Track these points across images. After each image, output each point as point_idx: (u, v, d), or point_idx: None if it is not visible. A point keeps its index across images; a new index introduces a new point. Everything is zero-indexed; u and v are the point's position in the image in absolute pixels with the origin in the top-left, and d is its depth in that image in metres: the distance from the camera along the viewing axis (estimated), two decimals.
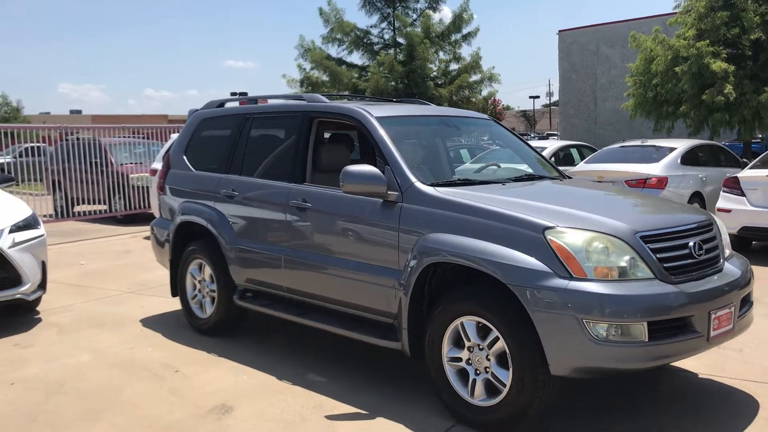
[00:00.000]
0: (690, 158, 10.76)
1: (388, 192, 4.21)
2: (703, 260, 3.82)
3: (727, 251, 4.21)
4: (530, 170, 5.19)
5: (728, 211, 8.83)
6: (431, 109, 5.58)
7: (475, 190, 4.23)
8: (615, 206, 4.40)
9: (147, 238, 9.89)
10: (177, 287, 5.99)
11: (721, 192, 9.28)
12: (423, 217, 4.07)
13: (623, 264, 3.53)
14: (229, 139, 5.66)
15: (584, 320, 3.38)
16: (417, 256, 4.00)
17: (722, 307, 3.70)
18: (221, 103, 6.10)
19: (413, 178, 4.22)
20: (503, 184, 4.60)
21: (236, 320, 5.65)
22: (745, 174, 9.14)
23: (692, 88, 15.07)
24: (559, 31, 37.97)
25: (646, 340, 3.40)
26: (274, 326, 5.75)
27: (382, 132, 4.50)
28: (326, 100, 5.11)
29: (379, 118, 4.61)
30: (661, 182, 10.01)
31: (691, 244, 3.78)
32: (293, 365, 4.92)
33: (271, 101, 5.97)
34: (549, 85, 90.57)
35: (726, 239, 4.24)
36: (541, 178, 4.98)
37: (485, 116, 5.68)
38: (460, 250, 3.81)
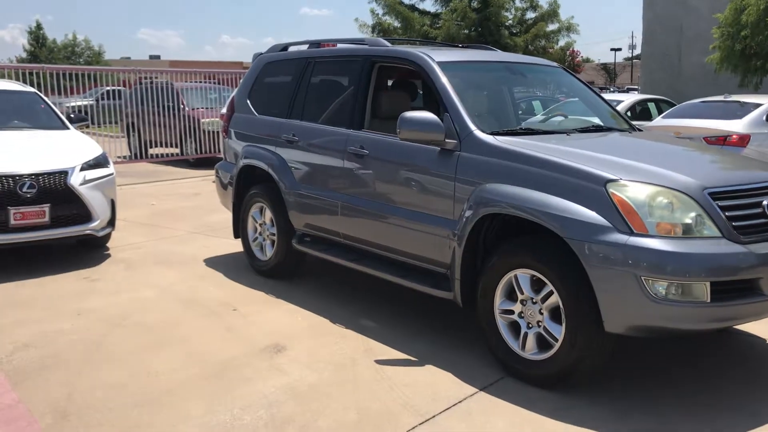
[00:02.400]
0: None
1: (446, 140, 4.11)
2: None
3: None
4: (598, 121, 4.98)
5: None
6: (497, 55, 5.39)
7: (536, 140, 4.09)
8: (685, 160, 4.18)
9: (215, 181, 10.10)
10: (239, 229, 6.09)
11: None
12: (480, 166, 3.97)
13: (688, 221, 3.36)
14: (291, 84, 5.65)
15: (643, 278, 3.25)
16: (473, 206, 3.91)
17: None
18: (285, 47, 6.07)
19: (472, 126, 4.10)
20: (567, 134, 4.42)
21: (294, 263, 5.72)
22: None
23: None
24: None
25: (708, 300, 3.25)
26: (331, 271, 5.80)
27: (442, 77, 4.38)
28: (388, 44, 5.00)
29: (440, 63, 4.48)
30: (743, 140, 9.47)
31: (765, 203, 3.56)
32: (347, 309, 4.96)
33: (335, 45, 5.89)
34: (632, 37, 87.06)
35: None
36: (609, 129, 4.78)
37: (553, 64, 5.45)
38: (517, 201, 3.71)
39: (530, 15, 23.30)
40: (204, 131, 13.87)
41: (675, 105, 13.18)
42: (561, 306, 3.54)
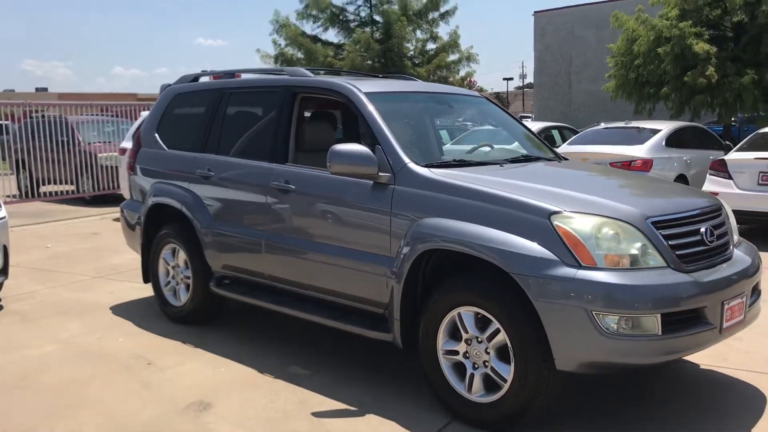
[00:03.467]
0: (674, 140, 10.60)
1: (380, 173, 3.91)
2: (714, 247, 3.60)
3: (736, 237, 4.00)
4: (525, 151, 4.92)
5: (715, 194, 8.65)
6: (421, 86, 5.27)
7: (472, 172, 3.95)
8: (621, 189, 4.16)
9: (117, 219, 9.51)
10: (149, 273, 5.64)
11: (708, 175, 9.14)
12: (417, 200, 3.78)
13: (634, 251, 3.29)
14: (204, 116, 5.31)
15: (594, 312, 3.13)
16: (411, 242, 3.71)
17: (735, 297, 3.49)
18: (195, 78, 5.73)
19: (406, 159, 3.92)
20: (501, 165, 4.32)
21: (213, 309, 5.33)
22: (732, 157, 9.00)
23: (674, 69, 14.94)
24: (535, 12, 37.84)
25: (660, 333, 3.17)
26: (254, 315, 5.45)
27: (371, 108, 4.19)
28: (310, 74, 4.78)
29: (368, 94, 4.30)
30: (646, 164, 9.84)
31: (702, 230, 3.55)
32: (275, 357, 4.63)
33: (249, 76, 5.61)
34: (522, 67, 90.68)
35: (734, 224, 4.03)
36: (537, 159, 4.72)
37: (477, 94, 5.39)
38: (457, 235, 3.54)
39: (431, 46, 23.71)
40: (101, 166, 13.12)
41: (577, 132, 13.63)
42: (509, 344, 3.38)
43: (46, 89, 65.25)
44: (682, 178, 10.26)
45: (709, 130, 12.33)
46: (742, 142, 9.63)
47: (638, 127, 11.17)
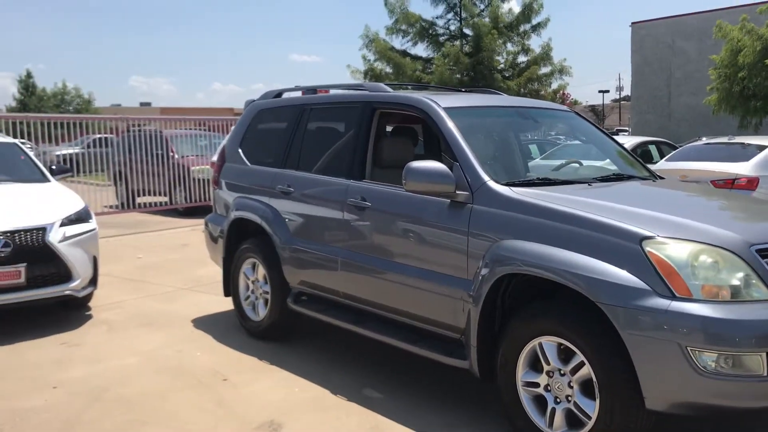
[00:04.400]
0: None
1: (457, 192, 3.75)
2: None
3: None
4: (616, 169, 4.63)
5: None
6: (504, 99, 5.06)
7: (556, 191, 3.72)
8: (723, 212, 3.82)
9: None
10: (230, 286, 5.67)
11: None
12: (497, 220, 3.59)
13: (736, 282, 2.98)
14: (285, 132, 5.30)
15: (688, 348, 2.85)
16: (489, 264, 3.52)
17: None
18: (279, 93, 5.74)
19: (486, 177, 3.74)
20: (589, 184, 4.07)
21: (290, 325, 5.29)
22: None
23: None
24: (632, 23, 36.61)
25: (765, 374, 2.85)
26: (330, 333, 5.36)
27: (450, 124, 4.03)
28: (389, 90, 4.68)
29: (447, 109, 4.15)
30: (752, 183, 9.18)
31: None
32: (349, 378, 4.52)
33: (331, 91, 5.58)
34: (619, 79, 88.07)
35: None
36: (630, 178, 4.43)
37: (565, 108, 5.14)
38: (539, 260, 3.32)
39: (522, 58, 23.29)
40: (194, 179, 13.51)
41: (676, 147, 12.97)
42: (594, 379, 3.14)
43: (149, 104, 68.39)
44: None
45: None
46: None
47: (743, 143, 10.46)
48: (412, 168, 3.76)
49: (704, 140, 13.21)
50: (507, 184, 3.73)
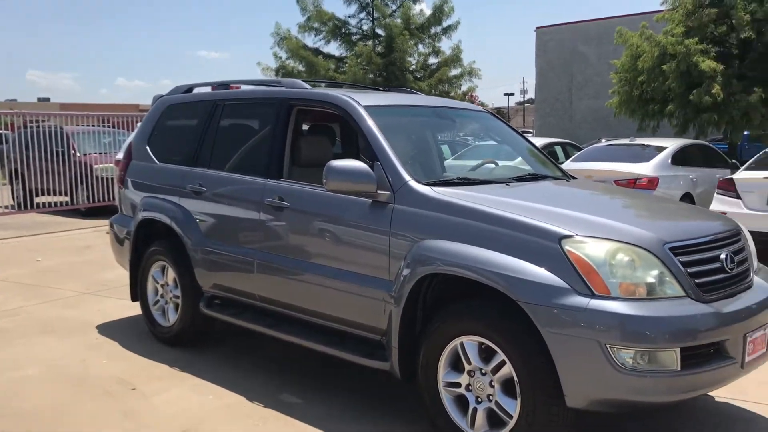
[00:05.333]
0: (680, 158, 10.38)
1: (378, 191, 3.69)
2: (735, 275, 3.36)
3: (755, 263, 3.76)
4: (531, 169, 4.70)
5: (723, 214, 8.44)
6: (423, 99, 5.05)
7: (476, 191, 3.72)
8: (636, 212, 3.92)
9: None
10: (137, 291, 5.41)
11: (716, 194, 8.90)
12: (418, 220, 3.55)
13: (651, 280, 3.06)
14: (196, 129, 5.09)
15: (608, 345, 2.90)
16: (411, 264, 3.48)
17: (757, 328, 3.25)
18: (189, 89, 5.51)
19: (407, 176, 3.70)
20: (507, 184, 4.09)
21: (203, 330, 5.09)
22: (741, 176, 8.76)
23: (679, 86, 14.73)
24: (537, 27, 37.80)
25: (679, 369, 2.93)
26: (246, 338, 5.20)
27: (371, 123, 3.97)
28: (307, 86, 4.57)
29: (367, 107, 4.08)
30: (652, 182, 9.61)
31: (722, 256, 3.32)
32: (266, 383, 4.38)
33: (244, 87, 5.40)
34: (524, 82, 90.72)
35: (753, 250, 3.79)
36: (545, 177, 4.50)
37: (481, 108, 5.18)
38: (461, 259, 3.31)
39: (433, 60, 23.55)
40: (97, 178, 12.91)
41: (581, 148, 13.42)
42: (515, 378, 3.14)
43: (48, 99, 65.16)
44: (688, 197, 10.04)
45: (715, 148, 12.13)
46: (750, 161, 9.40)
47: (643, 144, 10.96)
48: (333, 167, 3.67)
49: (605, 141, 13.73)
50: (428, 184, 3.70)
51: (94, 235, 10.56)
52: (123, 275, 5.90)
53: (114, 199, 11.87)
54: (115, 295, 6.56)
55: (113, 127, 14.86)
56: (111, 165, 12.38)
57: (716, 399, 4.17)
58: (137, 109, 39.67)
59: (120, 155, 10.99)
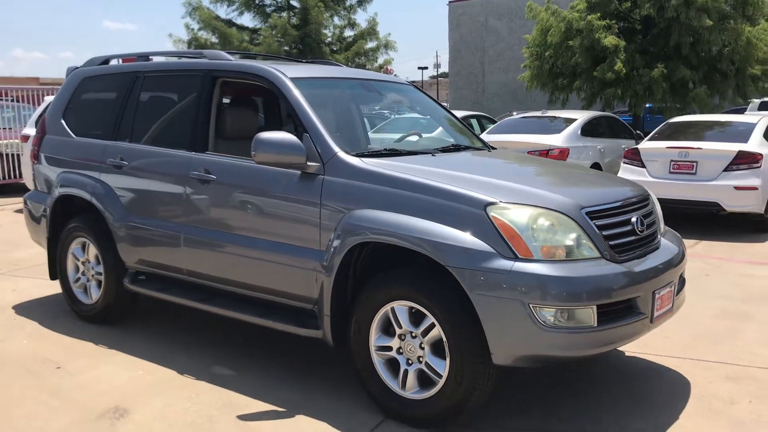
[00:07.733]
0: (589, 129, 10.87)
1: (308, 163, 3.73)
2: (644, 237, 3.62)
3: (662, 226, 4.05)
4: (453, 140, 4.85)
5: None
6: (348, 71, 5.09)
7: (404, 162, 3.83)
8: (554, 179, 4.13)
9: (19, 211, 8.90)
10: (57, 269, 5.26)
11: (622, 163, 9.40)
12: (348, 191, 3.63)
13: (570, 242, 3.26)
14: (116, 101, 4.96)
15: (531, 305, 3.08)
16: (341, 234, 3.56)
17: (664, 286, 3.53)
18: (106, 60, 5.35)
19: (336, 148, 3.76)
20: (432, 154, 4.22)
21: (127, 306, 5.02)
22: (645, 145, 9.28)
23: (585, 61, 15.30)
24: (450, 2, 38.19)
25: (596, 325, 3.15)
26: (173, 313, 5.15)
27: (298, 94, 3.99)
28: (231, 58, 4.53)
29: (294, 79, 4.10)
30: (563, 153, 10.03)
31: (633, 219, 3.57)
32: (196, 357, 4.38)
33: (165, 59, 5.28)
34: (437, 56, 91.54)
35: (660, 214, 4.08)
36: (467, 148, 4.65)
37: (405, 81, 5.28)
38: (390, 227, 3.41)
39: (349, 33, 23.53)
40: (1, 154, 12.27)
41: (495, 121, 13.78)
42: (444, 339, 3.29)
43: None
44: (596, 167, 10.53)
45: (621, 120, 12.73)
46: (653, 132, 9.95)
47: (553, 117, 11.40)
48: (262, 139, 3.68)
49: (516, 114, 14.15)
50: (357, 155, 3.77)
51: (1, 214, 10.09)
52: (37, 254, 5.74)
53: (20, 176, 11.37)
54: (31, 275, 6.34)
55: (15, 101, 14.11)
56: (16, 141, 11.81)
57: (626, 354, 4.48)
58: (38, 82, 37.64)
59: (27, 130, 10.52)
